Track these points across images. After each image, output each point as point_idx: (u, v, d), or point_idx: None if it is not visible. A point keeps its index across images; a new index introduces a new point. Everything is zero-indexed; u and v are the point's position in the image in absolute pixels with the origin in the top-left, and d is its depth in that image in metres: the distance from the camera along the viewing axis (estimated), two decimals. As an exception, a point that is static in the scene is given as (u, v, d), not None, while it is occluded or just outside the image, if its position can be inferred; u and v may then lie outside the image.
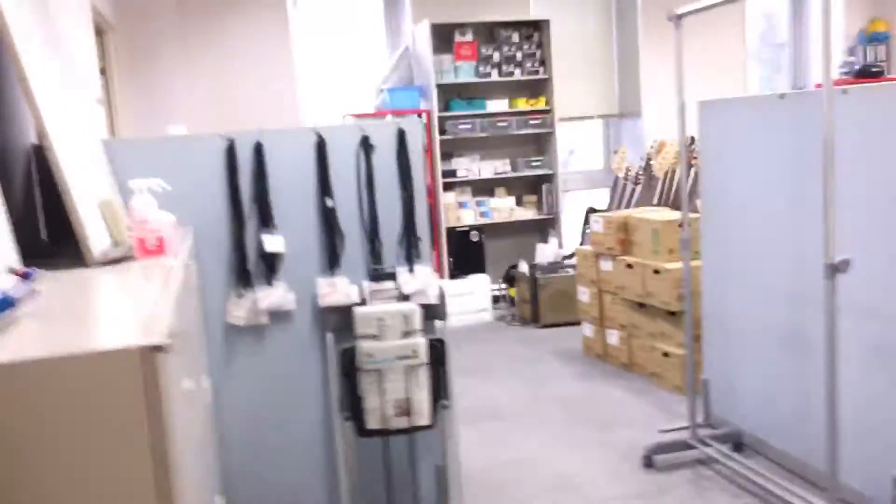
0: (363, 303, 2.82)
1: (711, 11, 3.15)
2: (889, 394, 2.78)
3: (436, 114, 6.46)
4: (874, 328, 2.81)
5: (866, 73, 6.88)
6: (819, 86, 7.25)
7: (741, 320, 3.53)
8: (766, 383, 3.41)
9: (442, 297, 2.90)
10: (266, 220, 2.78)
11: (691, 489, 3.29)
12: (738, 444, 3.56)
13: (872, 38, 7.07)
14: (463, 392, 4.66)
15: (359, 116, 6.28)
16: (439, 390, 2.85)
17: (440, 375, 2.84)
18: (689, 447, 3.54)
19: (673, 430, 3.78)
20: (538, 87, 6.79)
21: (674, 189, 5.90)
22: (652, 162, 6.19)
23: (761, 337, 3.41)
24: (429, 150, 6.48)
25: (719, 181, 3.60)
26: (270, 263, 2.80)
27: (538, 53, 6.70)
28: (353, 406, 2.79)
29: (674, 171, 5.86)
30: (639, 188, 6.19)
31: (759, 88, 7.68)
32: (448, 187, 6.66)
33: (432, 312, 2.87)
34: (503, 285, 6.58)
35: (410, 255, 2.91)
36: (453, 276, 6.44)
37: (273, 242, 2.79)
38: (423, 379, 2.78)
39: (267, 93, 6.29)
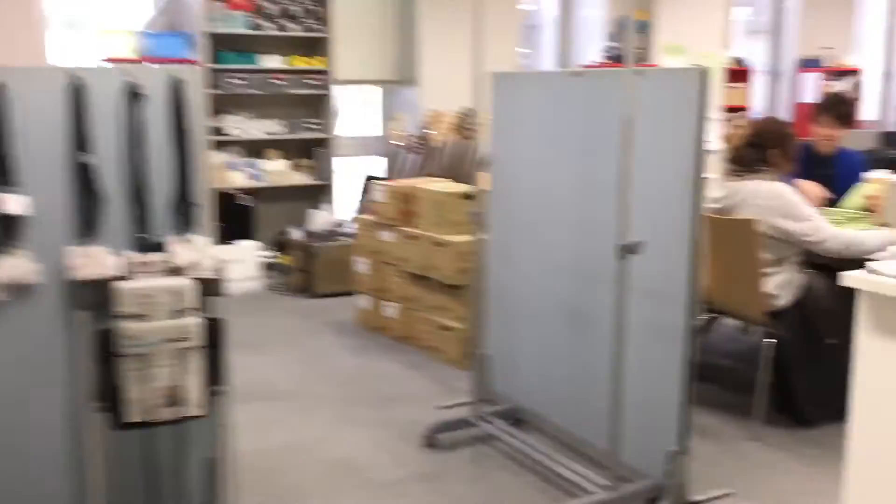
0: (126, 277, 2.43)
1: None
2: (665, 373, 2.87)
3: (204, 66, 5.94)
4: (654, 308, 2.88)
5: (622, 59, 7.25)
6: (588, 68, 7.57)
7: (525, 296, 3.53)
8: (547, 359, 3.43)
9: (220, 270, 2.58)
10: (4, 176, 2.30)
11: (474, 469, 3.24)
12: (519, 420, 3.58)
13: (633, 26, 7.47)
14: (232, 369, 4.31)
15: (117, 62, 5.62)
16: (214, 375, 2.54)
17: (216, 359, 2.54)
18: (470, 425, 3.50)
19: (453, 405, 3.72)
20: (317, 46, 6.47)
21: (449, 159, 5.87)
22: (428, 131, 6.13)
23: (544, 313, 3.42)
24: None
25: (509, 155, 3.55)
26: (9, 228, 2.33)
27: (319, 11, 6.37)
28: (110, 396, 2.41)
29: (450, 142, 5.82)
30: (416, 157, 6.11)
31: (522, 66, 7.89)
32: (217, 147, 6.18)
33: (209, 288, 2.55)
34: (275, 253, 6.25)
35: (185, 222, 2.56)
36: (222, 242, 6.00)
37: (14, 202, 2.32)
38: (196, 364, 2.46)
39: None
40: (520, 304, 3.56)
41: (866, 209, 4.11)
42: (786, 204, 3.36)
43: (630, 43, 7.44)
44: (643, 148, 2.79)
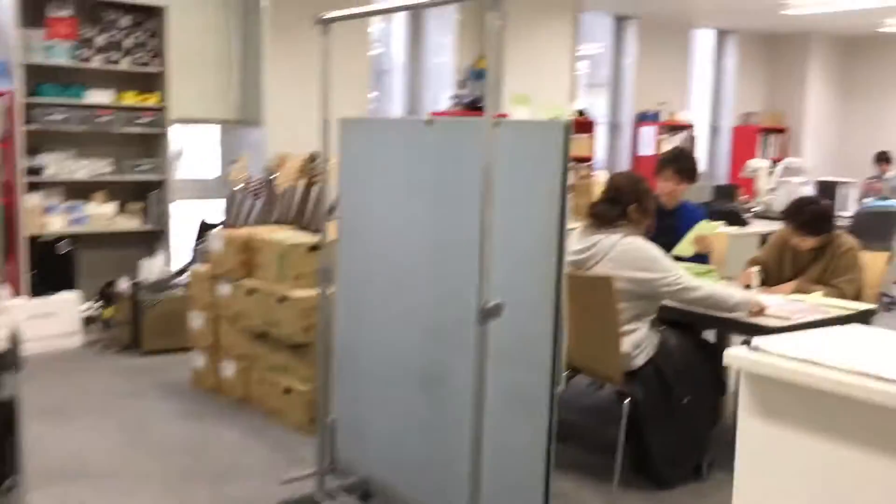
0: None
1: (342, 25, 2.84)
2: (526, 442, 2.68)
3: (20, 98, 5.37)
4: (515, 374, 2.70)
5: (474, 107, 7.24)
6: (437, 115, 7.50)
7: (376, 357, 3.27)
8: (400, 427, 3.18)
9: (16, 339, 2.18)
10: None
11: (319, 552, 2.92)
12: (368, 493, 3.29)
13: (480, 74, 7.48)
14: (35, 445, 3.78)
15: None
16: (4, 468, 2.12)
17: (7, 448, 2.12)
18: (315, 503, 3.18)
19: (297, 478, 3.39)
20: (153, 82, 6.02)
21: (294, 206, 5.56)
22: (274, 176, 5.80)
23: (397, 376, 3.17)
24: (8, 140, 5.36)
25: (358, 205, 3.32)
26: None
27: (154, 44, 5.94)
28: None
29: (297, 188, 5.53)
30: (259, 203, 5.75)
31: (371, 111, 7.74)
32: (33, 187, 5.58)
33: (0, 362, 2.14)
34: (98, 305, 5.68)
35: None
36: (35, 293, 5.38)
37: None
38: (-19, 455, 2.05)
39: None
40: (370, 366, 3.30)
41: (698, 252, 4.17)
42: (646, 257, 3.31)
43: (484, 91, 7.45)
44: (502, 203, 2.62)
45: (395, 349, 3.15)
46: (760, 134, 10.20)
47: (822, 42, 10.45)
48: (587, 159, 8.45)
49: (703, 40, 10.25)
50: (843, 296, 3.82)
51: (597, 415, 4.16)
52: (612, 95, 9.40)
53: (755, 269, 4.05)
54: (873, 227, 7.21)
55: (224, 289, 4.40)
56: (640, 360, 3.36)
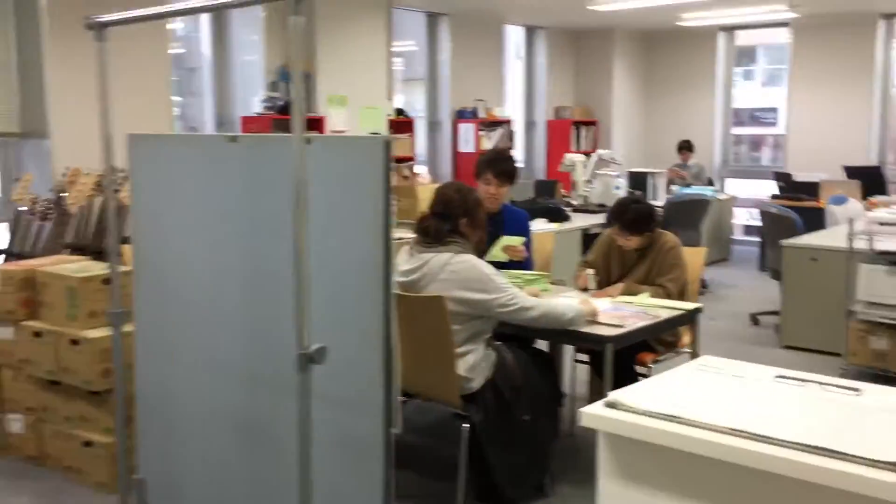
0: None
1: (138, 25, 2.45)
2: (360, 490, 2.42)
3: None
4: (344, 419, 2.43)
5: (288, 110, 6.85)
6: (249, 119, 7.05)
7: (188, 404, 2.89)
8: (218, 481, 2.82)
9: None
10: None
11: None
12: (187, 559, 2.91)
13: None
14: None
15: None
16: None
17: None
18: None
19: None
20: None
21: (90, 228, 4.99)
22: (64, 194, 5.19)
23: (214, 425, 2.81)
24: None
25: (154, 232, 2.91)
26: None
27: None
28: None
29: (93, 208, 4.96)
30: (48, 225, 5.12)
31: (175, 116, 7.19)
32: None
33: None
34: None
35: None
36: None
37: None
38: None
39: None
40: (182, 416, 2.92)
41: (511, 260, 4.08)
42: (479, 277, 3.12)
43: (296, 94, 7.08)
44: (320, 229, 2.34)
45: (210, 396, 2.79)
46: (573, 127, 10.45)
47: (626, 37, 10.86)
48: (408, 159, 8.28)
49: (514, 36, 10.36)
50: (669, 295, 3.84)
51: (435, 433, 3.94)
52: (430, 93, 9.28)
53: (591, 271, 4.00)
54: (683, 216, 7.51)
55: (4, 332, 3.81)
56: (476, 383, 3.18)
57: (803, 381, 1.98)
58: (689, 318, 3.63)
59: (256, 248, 2.58)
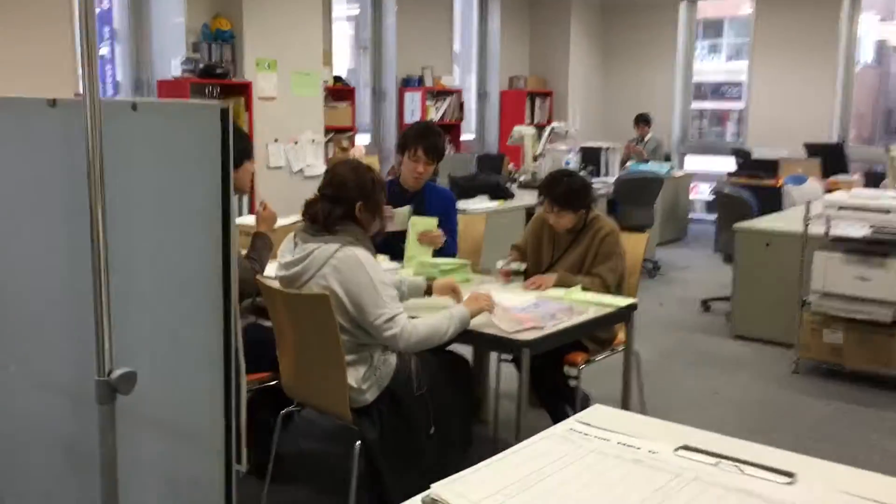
0: None
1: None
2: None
3: None
4: (169, 452, 1.98)
5: (210, 73, 6.31)
6: (165, 84, 6.49)
7: (3, 428, 2.41)
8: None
9: None
10: None
11: None
12: None
13: (217, 36, 6.54)
14: None
15: None
16: None
17: None
18: None
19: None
20: None
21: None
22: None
23: (37, 450, 2.33)
24: None
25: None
26: None
27: None
28: None
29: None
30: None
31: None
32: None
33: None
34: None
35: None
36: None
37: None
38: None
39: None
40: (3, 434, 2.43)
41: (435, 249, 3.68)
42: (360, 280, 2.65)
43: (223, 55, 6.51)
44: (143, 223, 1.87)
45: (31, 418, 2.31)
46: (528, 98, 9.98)
47: (583, 4, 10.37)
48: (348, 129, 7.77)
49: (465, 1, 9.83)
50: (606, 286, 3.42)
51: (337, 440, 3.50)
52: (374, 59, 8.74)
53: (514, 265, 3.57)
54: (635, 194, 7.10)
55: None
56: (370, 396, 2.73)
57: (715, 457, 1.35)
58: (623, 316, 3.22)
59: (77, 241, 2.09)
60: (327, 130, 7.38)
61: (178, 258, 1.88)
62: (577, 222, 3.58)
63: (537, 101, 10.19)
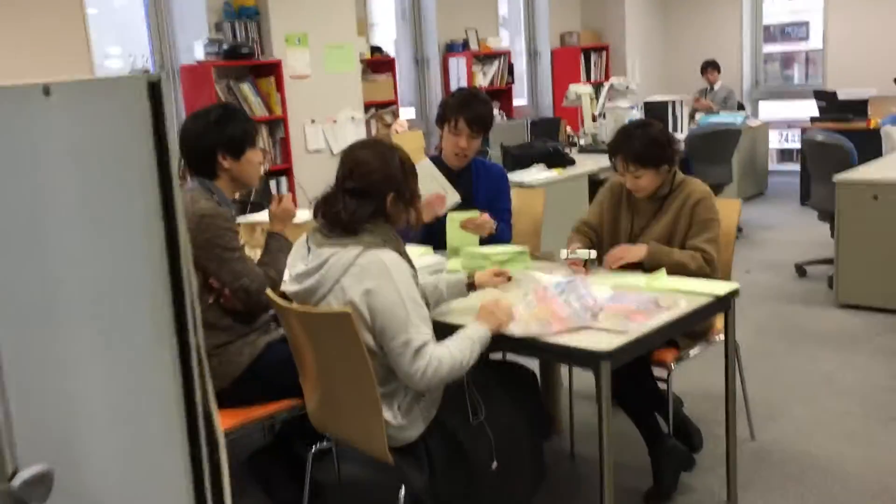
0: None
1: None
2: None
3: None
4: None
5: (236, 54, 5.82)
6: (189, 69, 6.03)
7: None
8: None
9: None
10: None
11: None
12: None
13: (241, 13, 6.04)
14: None
15: None
16: None
17: None
18: None
19: None
20: None
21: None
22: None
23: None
24: None
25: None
26: None
27: None
28: None
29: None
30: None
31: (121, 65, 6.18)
32: None
33: None
34: None
35: None
36: None
37: None
38: None
39: None
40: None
41: (482, 236, 3.12)
42: (387, 300, 2.09)
43: (249, 33, 6.02)
44: (60, 238, 1.35)
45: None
46: (582, 55, 9.26)
47: (636, -53, 9.57)
48: (390, 103, 7.22)
49: (509, -46, 9.13)
50: (708, 263, 2.81)
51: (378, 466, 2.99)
52: (414, 25, 8.15)
53: (581, 252, 2.92)
54: (710, 150, 6.39)
55: None
56: (414, 432, 2.20)
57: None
58: (724, 304, 2.60)
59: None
60: (367, 106, 6.84)
61: (105, 285, 1.35)
62: (660, 184, 2.95)
63: (592, 58, 9.46)
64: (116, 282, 1.34)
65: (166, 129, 1.36)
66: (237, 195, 2.68)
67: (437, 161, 3.37)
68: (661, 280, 2.67)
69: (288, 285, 2.24)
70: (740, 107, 8.49)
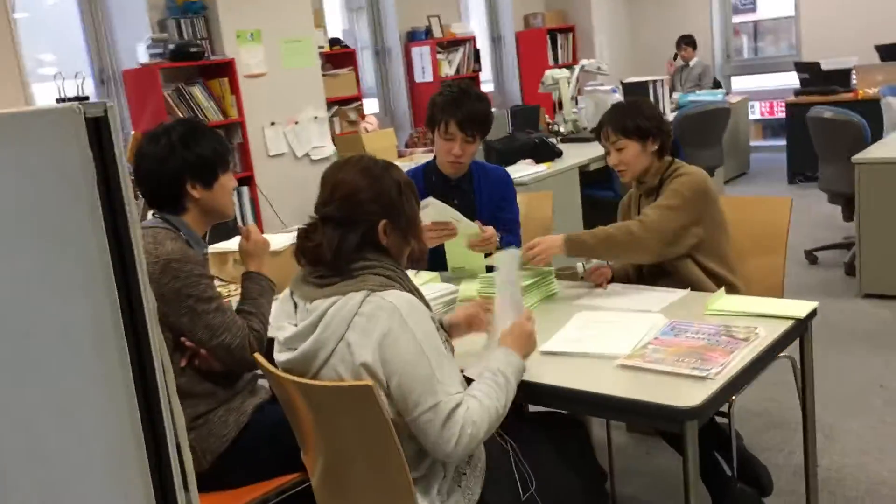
0: None
1: None
2: None
3: None
4: None
5: (183, 55, 5.27)
6: (132, 74, 5.46)
7: None
8: None
9: None
10: None
11: None
12: None
13: (186, 9, 5.49)
14: None
15: None
16: None
17: None
18: None
19: None
20: None
21: None
22: None
23: None
24: None
25: None
26: None
27: None
28: None
29: None
30: None
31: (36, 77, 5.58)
32: None
33: None
34: None
35: None
36: None
37: None
38: None
39: None
40: None
41: (487, 254, 2.69)
42: (404, 356, 1.64)
43: (197, 30, 5.47)
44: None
45: None
46: (548, 37, 8.83)
47: (597, -78, 9.15)
48: (353, 99, 6.72)
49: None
50: (630, 230, 2.49)
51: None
52: (372, 13, 7.63)
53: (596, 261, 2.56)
54: (699, 132, 6.03)
55: None
56: (459, 522, 1.74)
57: None
58: (802, 329, 2.18)
59: None
60: (330, 103, 6.33)
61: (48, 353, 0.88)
62: (647, 166, 2.62)
63: (559, 39, 9.04)
64: (65, 350, 0.88)
65: (118, 173, 0.91)
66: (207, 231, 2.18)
67: (431, 168, 2.92)
68: (722, 302, 2.25)
69: (277, 354, 1.76)
70: (716, 84, 8.15)
